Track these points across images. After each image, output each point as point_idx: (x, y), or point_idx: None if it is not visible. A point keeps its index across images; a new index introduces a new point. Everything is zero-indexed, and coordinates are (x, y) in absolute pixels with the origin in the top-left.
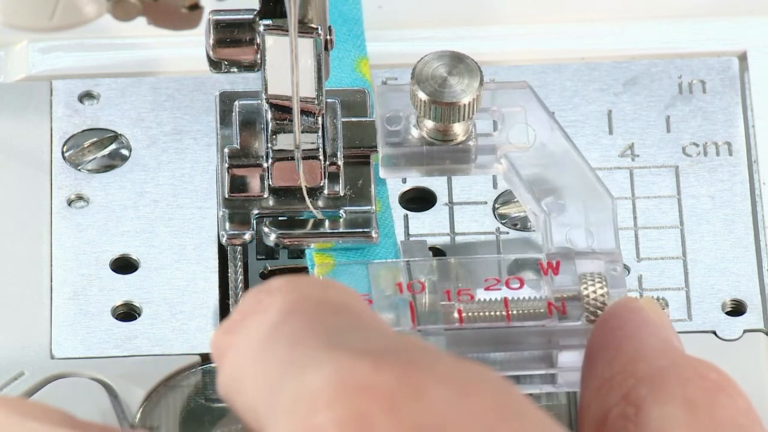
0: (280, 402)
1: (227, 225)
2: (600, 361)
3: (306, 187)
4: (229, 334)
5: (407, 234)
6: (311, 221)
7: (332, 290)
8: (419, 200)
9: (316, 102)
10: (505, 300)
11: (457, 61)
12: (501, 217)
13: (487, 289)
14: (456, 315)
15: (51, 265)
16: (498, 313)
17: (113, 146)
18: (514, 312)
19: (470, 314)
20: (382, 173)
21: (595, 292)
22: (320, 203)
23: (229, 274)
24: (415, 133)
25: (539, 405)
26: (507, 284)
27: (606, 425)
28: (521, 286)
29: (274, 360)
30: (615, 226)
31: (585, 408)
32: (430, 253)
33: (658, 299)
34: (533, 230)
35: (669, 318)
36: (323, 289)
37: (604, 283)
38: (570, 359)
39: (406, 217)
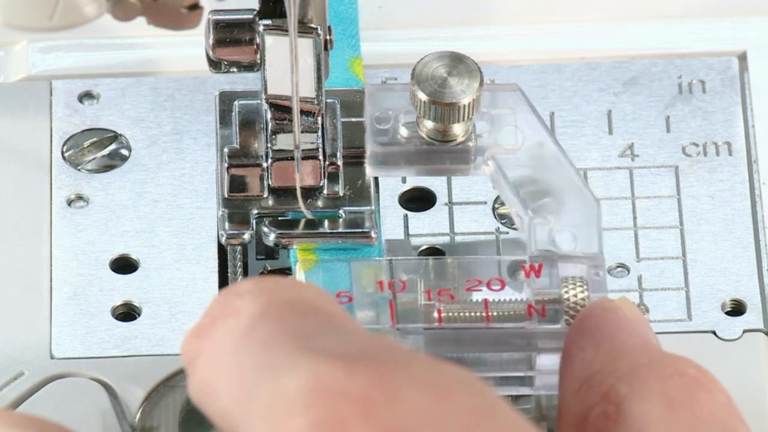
0: (254, 407)
1: (227, 225)
2: (579, 361)
3: (301, 187)
4: (199, 338)
5: (407, 234)
6: (312, 221)
7: (303, 291)
8: (419, 200)
9: (315, 102)
10: (486, 301)
11: (457, 62)
12: (501, 217)
13: (468, 289)
14: (436, 315)
15: (51, 265)
16: (478, 314)
17: (113, 146)
18: (494, 313)
19: (450, 314)
20: (369, 171)
21: (575, 295)
22: (320, 203)
23: (229, 274)
24: (404, 132)
25: (540, 405)
26: (488, 285)
27: (587, 425)
28: (502, 288)
29: (247, 364)
30: (599, 230)
31: (564, 409)
32: (414, 252)
33: (639, 305)
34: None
35: (645, 317)
36: (294, 290)
37: (585, 287)
38: (548, 362)
39: (405, 217)
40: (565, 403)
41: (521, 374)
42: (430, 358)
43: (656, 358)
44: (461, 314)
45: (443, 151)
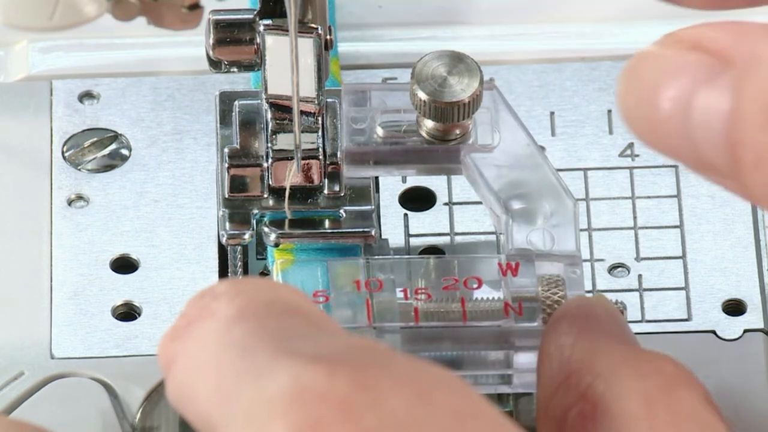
0: (234, 410)
1: (227, 225)
2: (556, 360)
3: (290, 187)
4: (175, 341)
5: (407, 234)
6: (312, 221)
7: (279, 292)
8: (419, 200)
9: (315, 102)
10: (462, 299)
11: (457, 61)
12: None
13: (444, 288)
14: (412, 313)
15: (51, 265)
16: (454, 313)
17: (113, 146)
18: (471, 312)
19: (426, 313)
20: (345, 171)
21: (553, 294)
22: (320, 203)
23: (229, 274)
24: (380, 131)
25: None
26: (465, 284)
27: (566, 425)
28: (479, 286)
29: (226, 367)
30: (576, 229)
31: (542, 409)
32: (391, 251)
33: (616, 302)
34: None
35: (622, 314)
36: (270, 291)
37: (562, 285)
38: (526, 360)
39: (405, 216)
40: (544, 403)
41: (499, 372)
42: (411, 359)
43: (633, 356)
44: (438, 313)
45: (423, 150)
